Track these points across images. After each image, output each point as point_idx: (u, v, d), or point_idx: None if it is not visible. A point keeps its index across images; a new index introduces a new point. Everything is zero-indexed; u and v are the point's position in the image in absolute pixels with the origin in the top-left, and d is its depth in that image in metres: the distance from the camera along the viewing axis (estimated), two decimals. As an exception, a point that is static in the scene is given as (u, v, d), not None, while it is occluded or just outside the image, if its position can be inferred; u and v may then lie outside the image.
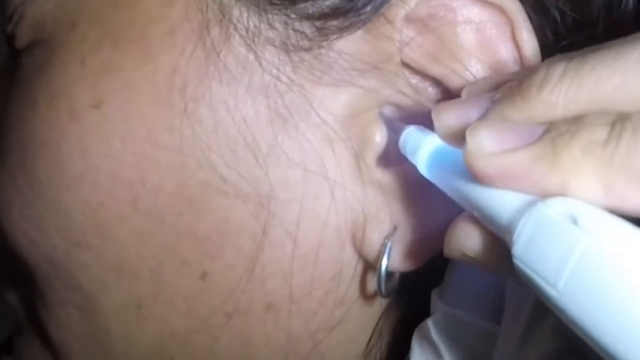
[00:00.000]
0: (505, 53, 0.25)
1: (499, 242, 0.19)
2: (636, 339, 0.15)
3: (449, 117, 0.22)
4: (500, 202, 0.19)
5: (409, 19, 0.24)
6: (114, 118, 0.25)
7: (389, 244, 0.25)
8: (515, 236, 0.18)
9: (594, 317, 0.16)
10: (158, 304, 0.27)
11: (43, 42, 0.27)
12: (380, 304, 0.28)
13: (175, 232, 0.26)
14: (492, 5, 0.24)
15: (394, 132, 0.26)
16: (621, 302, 0.15)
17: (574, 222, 0.16)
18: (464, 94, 0.24)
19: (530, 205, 0.18)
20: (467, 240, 0.21)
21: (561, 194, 0.17)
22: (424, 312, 0.27)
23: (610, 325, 0.15)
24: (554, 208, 0.17)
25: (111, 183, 0.25)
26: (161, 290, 0.27)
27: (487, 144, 0.19)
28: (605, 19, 0.27)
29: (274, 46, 0.24)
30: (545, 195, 0.18)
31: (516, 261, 0.18)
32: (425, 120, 0.24)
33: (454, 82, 0.25)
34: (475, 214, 0.20)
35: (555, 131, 0.18)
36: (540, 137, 0.18)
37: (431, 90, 0.26)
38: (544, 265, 0.17)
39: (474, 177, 0.19)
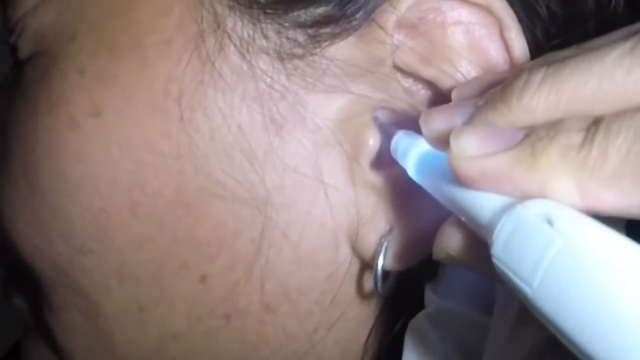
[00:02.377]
0: (495, 53, 0.25)
1: (481, 244, 0.20)
2: (604, 334, 0.15)
3: (435, 122, 0.23)
4: (482, 203, 0.19)
5: (400, 24, 0.25)
6: (112, 126, 0.26)
7: (385, 244, 0.26)
8: (494, 236, 0.18)
9: (567, 315, 0.16)
10: (159, 307, 0.27)
11: (44, 53, 0.27)
12: (377, 302, 0.29)
13: (174, 236, 0.26)
14: (480, 6, 0.25)
15: (388, 135, 0.26)
16: (592, 300, 0.16)
17: (550, 223, 0.17)
18: (454, 94, 0.24)
19: (509, 206, 0.18)
20: (452, 242, 0.21)
21: (540, 196, 0.18)
22: (421, 309, 0.27)
23: (582, 322, 0.16)
24: (532, 209, 0.18)
25: (110, 189, 0.26)
26: (162, 293, 0.27)
27: (470, 147, 0.19)
28: (596, 17, 0.27)
29: (268, 55, 0.25)
30: (524, 197, 0.18)
31: (495, 260, 0.18)
32: (417, 125, 0.25)
33: (445, 83, 0.26)
34: (460, 215, 0.21)
35: (534, 135, 0.19)
36: (520, 142, 0.19)
37: (424, 93, 0.27)
38: (521, 265, 0.17)
39: (458, 179, 0.20)
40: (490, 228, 0.19)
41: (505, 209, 0.18)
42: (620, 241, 0.16)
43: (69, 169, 0.26)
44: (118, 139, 0.26)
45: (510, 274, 0.18)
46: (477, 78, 0.25)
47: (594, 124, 0.18)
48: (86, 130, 0.26)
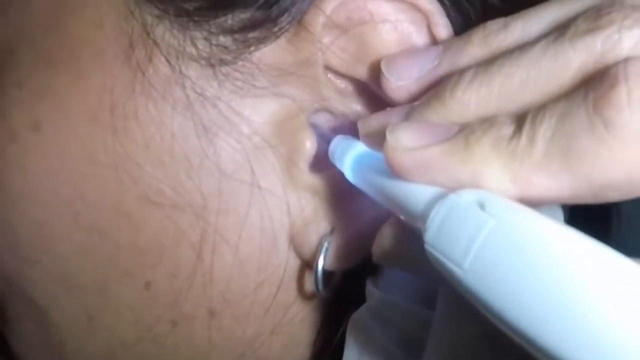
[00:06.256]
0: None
1: (417, 241, 0.20)
2: (532, 309, 0.16)
3: (372, 122, 0.23)
4: (416, 195, 0.20)
5: (327, 25, 0.25)
6: (51, 138, 0.26)
7: (325, 244, 0.26)
8: (427, 224, 0.19)
9: (497, 293, 0.17)
10: (106, 315, 0.28)
11: None
12: (323, 305, 0.29)
13: (116, 245, 0.26)
14: (406, 3, 0.25)
15: (326, 138, 0.26)
16: (523, 277, 0.16)
17: (482, 207, 0.18)
18: (382, 64, 0.24)
19: (443, 195, 0.19)
20: (388, 241, 0.22)
21: (474, 185, 0.19)
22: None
23: (512, 299, 0.16)
24: (465, 197, 0.18)
25: (52, 200, 0.26)
26: (108, 302, 0.27)
27: (405, 139, 0.20)
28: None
29: (198, 62, 0.25)
30: (458, 188, 0.19)
31: (427, 247, 0.19)
32: (355, 127, 0.25)
33: (378, 82, 0.26)
34: (395, 210, 0.22)
35: (468, 129, 0.19)
36: (455, 135, 0.19)
37: (359, 95, 0.27)
38: (452, 248, 0.18)
39: (392, 170, 0.20)
40: (423, 217, 0.19)
41: (439, 198, 0.19)
42: (548, 222, 0.17)
43: (11, 181, 0.27)
44: (57, 151, 0.26)
45: (442, 258, 0.18)
46: (406, 56, 0.25)
47: (523, 117, 0.18)
48: (26, 142, 0.26)
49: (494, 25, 0.22)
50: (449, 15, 0.26)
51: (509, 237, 0.17)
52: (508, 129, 0.18)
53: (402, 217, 0.21)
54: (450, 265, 0.18)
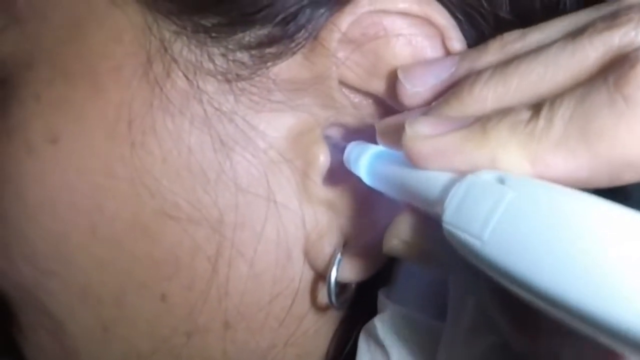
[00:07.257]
0: None
1: (433, 225, 0.20)
2: (546, 270, 0.16)
3: (389, 121, 0.24)
4: (434, 182, 0.20)
5: (343, 41, 0.25)
6: (69, 151, 0.26)
7: (338, 256, 0.27)
8: (445, 204, 0.19)
9: (518, 259, 0.17)
10: (122, 326, 0.28)
11: (4, 82, 0.28)
12: (336, 315, 0.29)
13: (133, 257, 0.27)
14: (420, 18, 0.25)
15: (339, 151, 0.27)
16: (545, 242, 0.17)
17: (501, 182, 0.18)
18: (399, 72, 0.25)
19: (461, 178, 0.19)
20: (403, 227, 0.22)
21: (491, 168, 0.19)
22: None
23: (535, 263, 0.17)
24: (483, 176, 0.19)
25: (70, 212, 0.27)
26: (124, 313, 0.28)
27: (424, 129, 0.20)
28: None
29: (215, 78, 0.26)
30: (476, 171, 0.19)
31: (445, 225, 0.19)
32: (369, 138, 0.25)
33: (392, 96, 0.26)
34: (412, 200, 0.22)
35: (485, 117, 0.20)
36: (472, 123, 0.20)
37: (374, 108, 0.27)
38: (471, 222, 0.18)
39: (410, 159, 0.21)
40: (442, 200, 0.19)
41: (457, 180, 0.19)
42: (569, 190, 0.17)
43: (28, 194, 0.27)
44: (75, 164, 0.26)
45: (460, 234, 0.18)
46: (423, 64, 0.25)
47: (540, 104, 0.19)
48: (43, 155, 0.26)
49: (511, 35, 0.23)
50: (462, 30, 0.26)
51: (530, 206, 0.17)
52: (525, 114, 0.19)
53: (419, 206, 0.22)
54: (469, 239, 0.18)
